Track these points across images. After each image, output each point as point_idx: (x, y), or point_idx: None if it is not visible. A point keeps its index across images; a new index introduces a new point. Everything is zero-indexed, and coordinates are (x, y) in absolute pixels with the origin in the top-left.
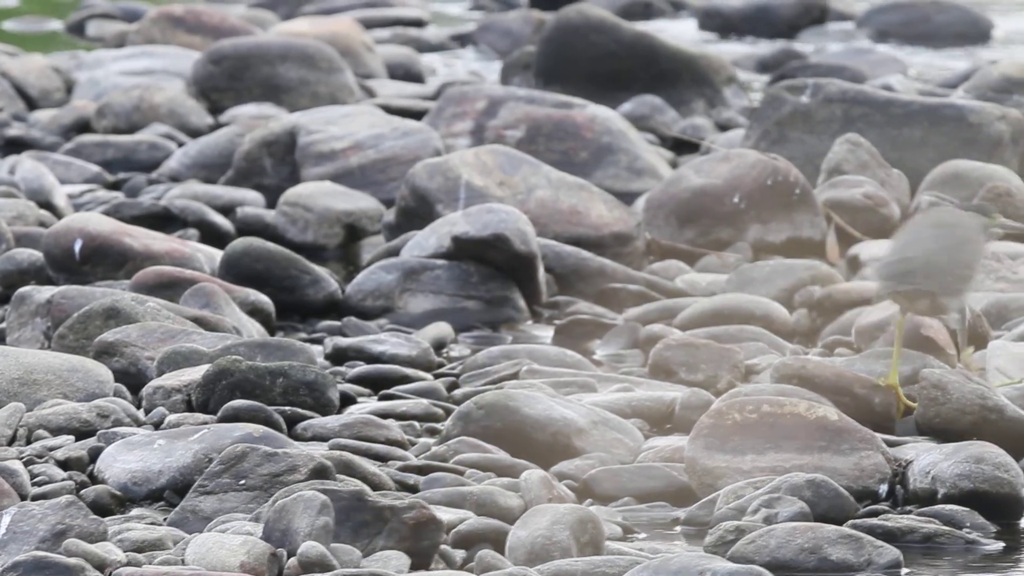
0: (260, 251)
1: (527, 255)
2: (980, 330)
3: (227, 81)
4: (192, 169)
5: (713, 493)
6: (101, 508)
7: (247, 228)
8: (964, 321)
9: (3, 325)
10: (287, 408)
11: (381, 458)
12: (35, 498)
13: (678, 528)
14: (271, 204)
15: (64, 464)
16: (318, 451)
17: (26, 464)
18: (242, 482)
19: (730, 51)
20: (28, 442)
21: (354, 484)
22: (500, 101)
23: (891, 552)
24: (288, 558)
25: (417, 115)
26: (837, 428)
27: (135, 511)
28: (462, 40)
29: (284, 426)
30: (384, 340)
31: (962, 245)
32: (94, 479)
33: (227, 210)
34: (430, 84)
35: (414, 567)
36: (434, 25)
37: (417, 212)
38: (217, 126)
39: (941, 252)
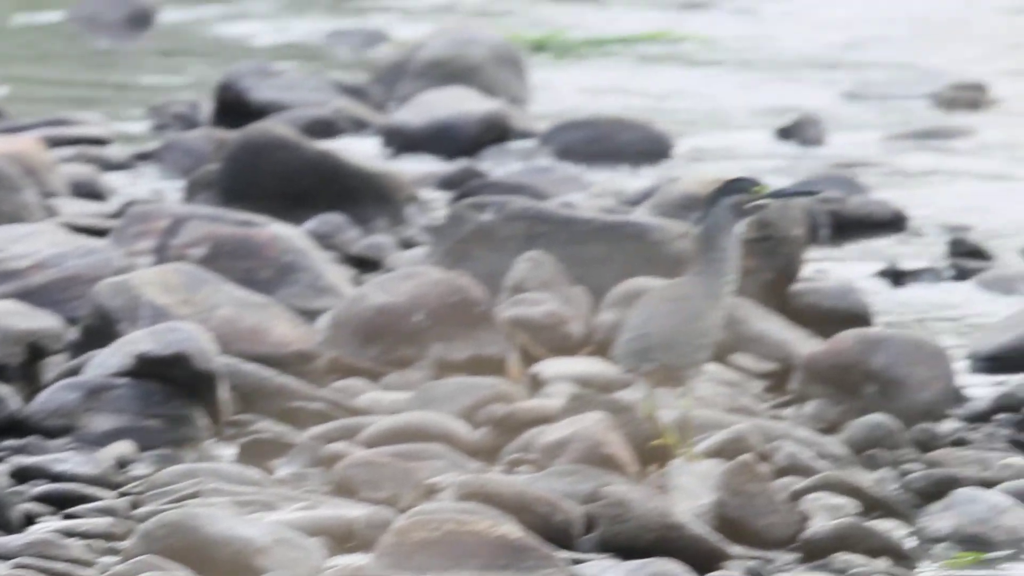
0: None
1: (209, 373)
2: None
3: None
4: None
5: None
6: None
7: None
8: (691, 392)
9: None
10: None
11: None
12: None
13: None
14: None
15: None
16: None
17: None
18: None
19: (412, 169)
20: None
21: None
22: (183, 219)
23: None
24: None
25: (100, 233)
26: (519, 546)
27: None
28: (145, 158)
29: None
30: (66, 459)
31: (697, 315)
32: None
33: None
34: (113, 203)
35: None
36: (117, 144)
37: (100, 330)
38: None
39: (678, 325)
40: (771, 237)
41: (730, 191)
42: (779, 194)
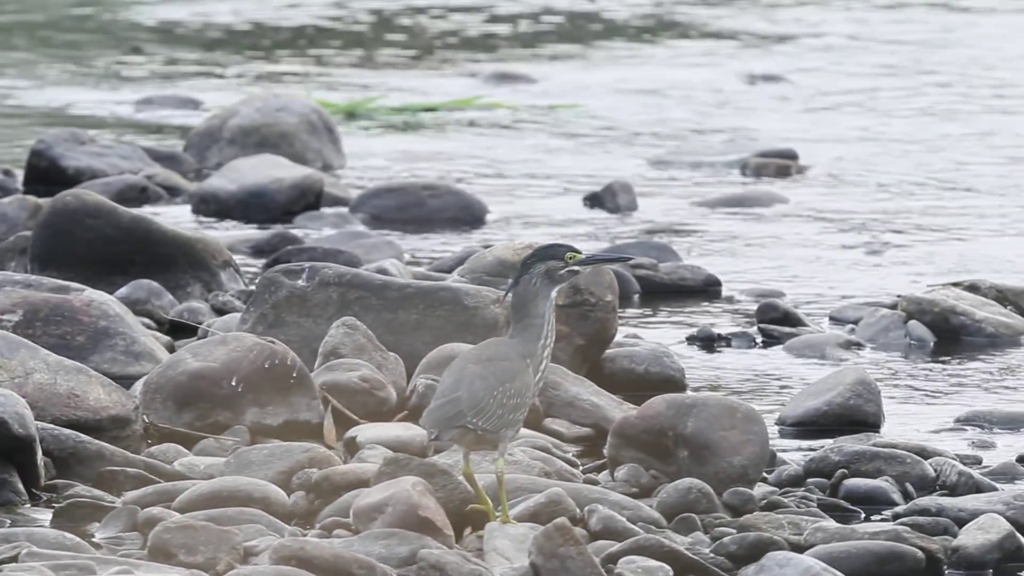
0: None
1: (25, 438)
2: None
3: None
4: None
5: None
6: None
7: None
8: (504, 455)
9: None
10: None
11: None
12: None
13: None
14: None
15: None
16: None
17: None
18: None
19: (226, 235)
20: None
21: None
22: None
23: None
24: None
25: None
26: None
27: None
28: None
29: None
30: None
31: (509, 376)
32: None
33: None
34: None
35: None
36: None
37: None
38: None
39: (489, 387)
40: (584, 302)
41: (543, 257)
42: (592, 260)
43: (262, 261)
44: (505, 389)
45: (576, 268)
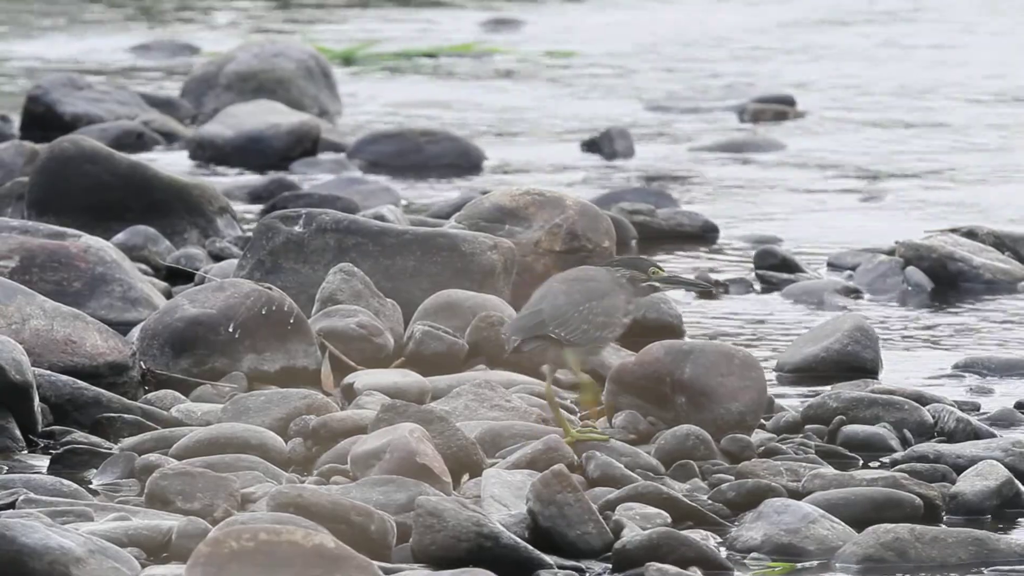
0: None
1: (22, 384)
2: (475, 457)
3: None
4: None
5: None
6: None
7: None
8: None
9: None
10: None
11: None
12: None
13: None
14: None
15: None
16: None
17: None
18: None
19: (223, 182)
20: None
21: None
22: None
23: None
24: None
25: None
26: (334, 556)
27: None
28: None
29: None
30: None
31: (595, 295)
32: None
33: None
34: None
35: None
36: None
37: None
38: None
39: (571, 303)
40: (581, 248)
41: (628, 265)
42: (673, 280)
43: (259, 207)
44: (591, 306)
45: (657, 284)
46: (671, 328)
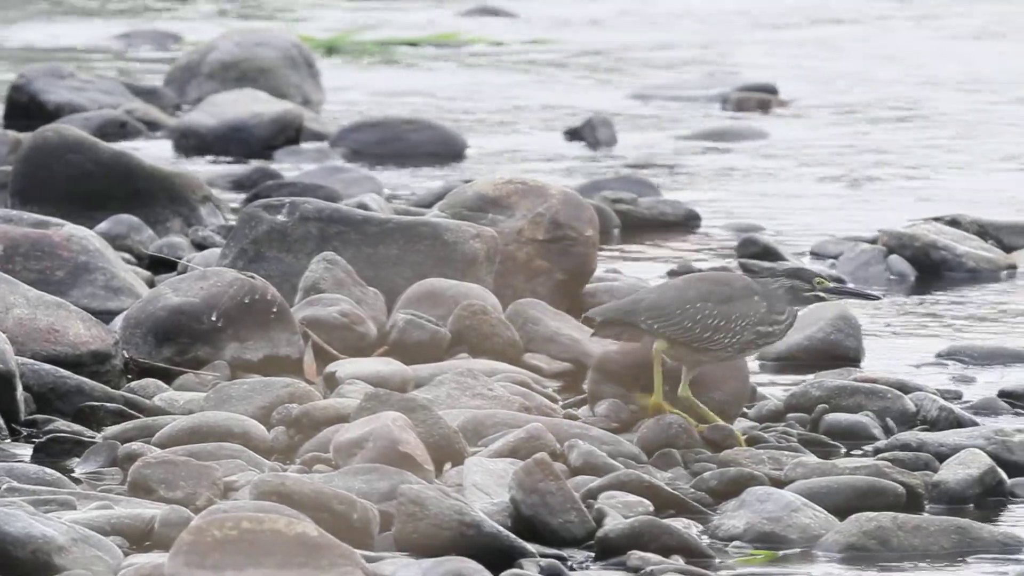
0: None
1: (5, 373)
2: (457, 446)
3: None
4: None
5: None
6: None
7: None
8: (691, 374)
9: None
10: None
11: None
12: None
13: None
14: None
15: None
16: None
17: None
18: None
19: (205, 170)
20: None
21: None
22: None
23: None
24: None
25: None
26: (316, 544)
27: None
28: None
29: None
30: None
31: (716, 298)
32: None
33: None
34: None
35: None
36: None
37: None
38: None
39: (680, 299)
40: (564, 237)
41: (792, 275)
42: (838, 291)
43: (242, 196)
44: (704, 307)
45: (822, 294)
46: None
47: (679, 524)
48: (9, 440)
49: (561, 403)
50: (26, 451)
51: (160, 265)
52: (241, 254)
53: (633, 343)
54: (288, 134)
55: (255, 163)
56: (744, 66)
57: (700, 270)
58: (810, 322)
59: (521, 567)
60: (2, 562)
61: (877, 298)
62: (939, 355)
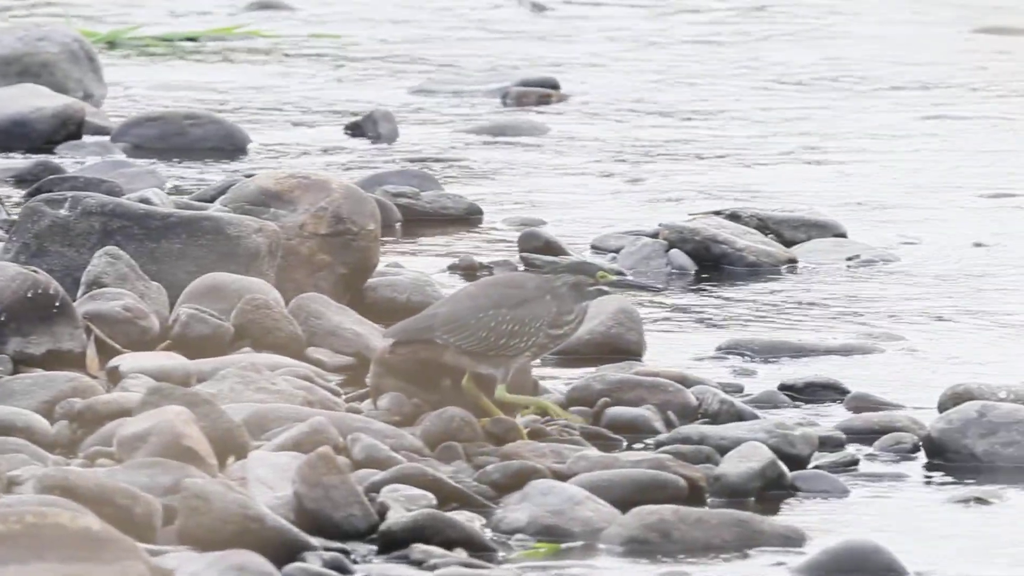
0: None
1: None
2: (241, 440)
3: None
4: None
5: None
6: None
7: None
8: (506, 377)
9: None
10: None
11: None
12: None
13: None
14: None
15: None
16: None
17: None
18: None
19: None
20: None
21: None
22: None
23: None
24: None
25: None
26: (100, 538)
27: None
28: None
29: None
30: None
31: (509, 302)
32: None
33: None
34: None
35: None
36: None
37: None
38: None
39: (474, 308)
40: (346, 231)
41: (574, 270)
42: (621, 284)
43: (24, 191)
44: (498, 314)
45: (605, 288)
46: None
47: (462, 517)
48: None
49: (344, 397)
50: None
51: None
52: (23, 248)
53: (433, 359)
54: (70, 128)
55: (37, 157)
56: (525, 59)
57: (482, 264)
58: (591, 316)
59: (304, 560)
60: None
61: (659, 290)
62: (720, 348)
